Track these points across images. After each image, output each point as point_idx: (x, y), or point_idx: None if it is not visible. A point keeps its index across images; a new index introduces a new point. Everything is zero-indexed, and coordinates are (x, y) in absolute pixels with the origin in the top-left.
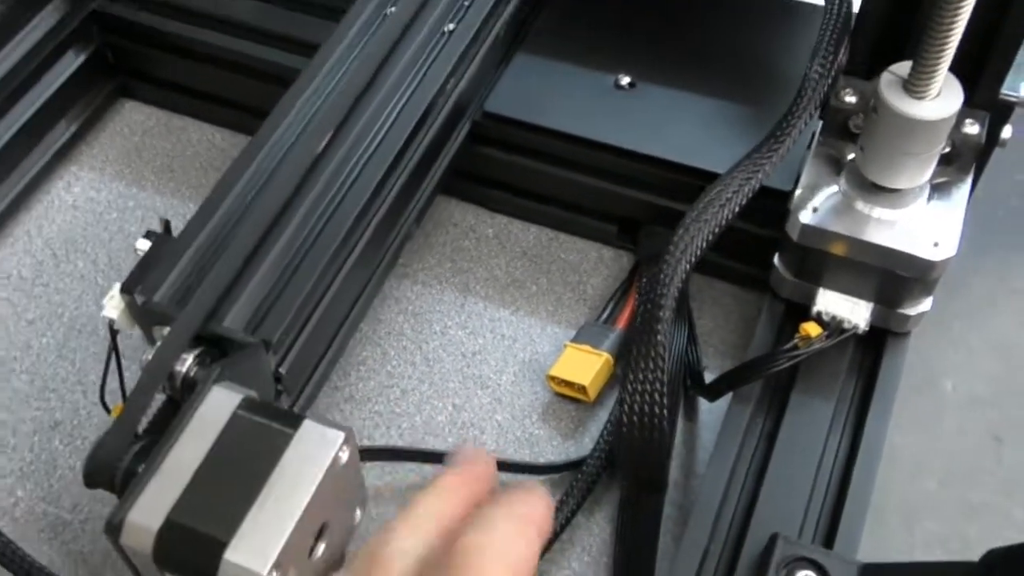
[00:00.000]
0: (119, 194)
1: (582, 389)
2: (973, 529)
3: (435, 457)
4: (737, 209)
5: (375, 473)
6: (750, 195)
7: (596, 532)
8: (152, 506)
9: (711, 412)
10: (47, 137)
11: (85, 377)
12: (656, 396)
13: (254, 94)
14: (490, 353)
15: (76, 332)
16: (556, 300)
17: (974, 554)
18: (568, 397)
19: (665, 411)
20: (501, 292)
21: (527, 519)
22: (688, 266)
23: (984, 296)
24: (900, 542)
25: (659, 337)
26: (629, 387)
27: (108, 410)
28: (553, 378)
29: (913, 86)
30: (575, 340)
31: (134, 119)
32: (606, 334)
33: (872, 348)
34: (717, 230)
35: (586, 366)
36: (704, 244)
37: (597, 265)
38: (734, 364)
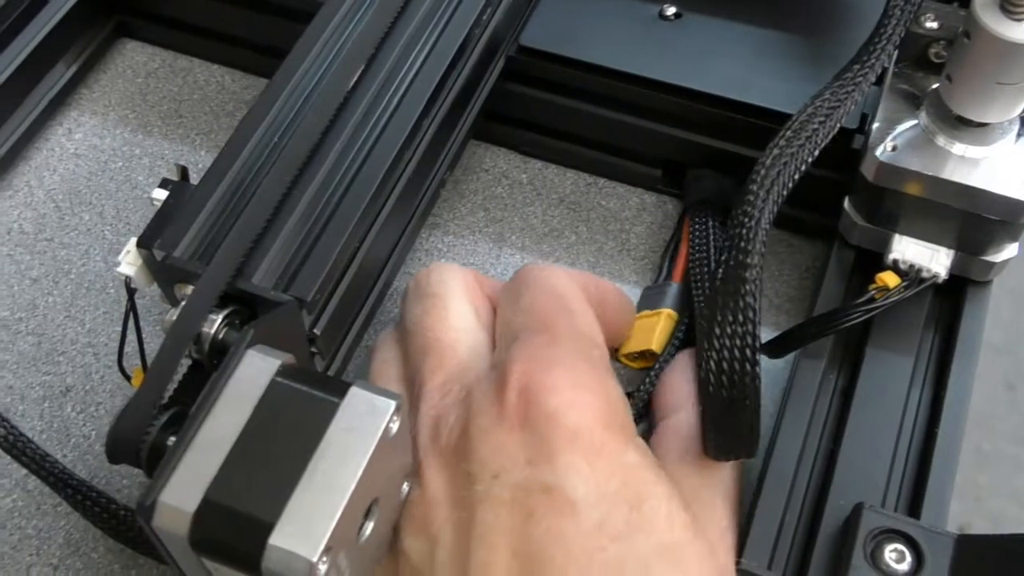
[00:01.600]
0: (124, 141)
1: (652, 355)
2: (984, 477)
3: None
4: (823, 144)
5: None
6: (836, 129)
7: None
8: (187, 485)
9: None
10: (44, 81)
11: (96, 338)
12: (747, 352)
13: (267, 31)
14: None
15: (84, 290)
16: (597, 250)
17: (986, 502)
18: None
19: (758, 368)
20: (538, 242)
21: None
22: (775, 206)
23: None
24: None
25: (748, 286)
26: (716, 343)
27: (128, 377)
28: (624, 356)
29: (1012, 7)
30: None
31: (136, 60)
32: (662, 292)
33: (951, 299)
34: (804, 167)
35: (648, 331)
36: (791, 182)
37: (639, 212)
38: (791, 318)
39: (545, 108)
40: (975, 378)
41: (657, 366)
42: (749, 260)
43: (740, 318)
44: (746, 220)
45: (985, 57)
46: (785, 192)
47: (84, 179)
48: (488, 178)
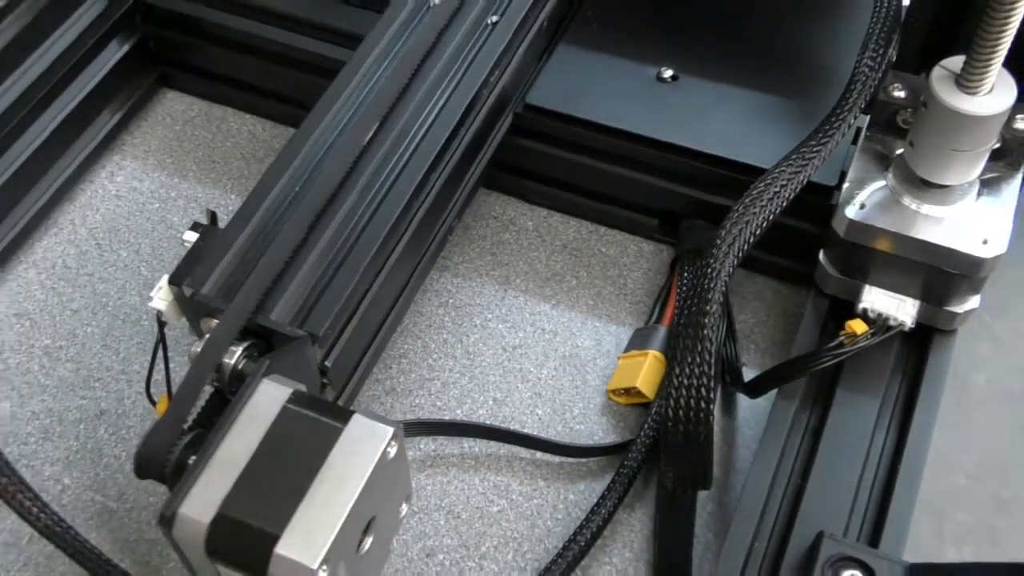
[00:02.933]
0: (161, 184)
1: (637, 392)
2: (1003, 523)
3: (467, 430)
4: (785, 203)
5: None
6: (798, 189)
7: (638, 528)
8: (204, 499)
9: (750, 409)
10: (91, 127)
11: (129, 367)
12: (702, 391)
13: (295, 85)
14: (531, 347)
15: (120, 321)
16: (596, 294)
17: (1004, 549)
18: (637, 405)
19: (712, 406)
20: (541, 286)
21: None
22: (736, 260)
23: (1015, 290)
24: (929, 535)
25: (706, 331)
26: (675, 381)
27: (154, 403)
28: (611, 392)
29: (965, 81)
30: (626, 350)
31: (176, 109)
32: (652, 334)
33: (918, 346)
34: (765, 224)
35: (635, 369)
36: (752, 238)
37: (637, 259)
38: (775, 360)
39: (550, 161)
40: (938, 419)
41: (654, 410)
42: (708, 308)
43: (697, 359)
44: (708, 271)
45: (942, 126)
46: (746, 247)
47: (123, 219)
48: (496, 224)
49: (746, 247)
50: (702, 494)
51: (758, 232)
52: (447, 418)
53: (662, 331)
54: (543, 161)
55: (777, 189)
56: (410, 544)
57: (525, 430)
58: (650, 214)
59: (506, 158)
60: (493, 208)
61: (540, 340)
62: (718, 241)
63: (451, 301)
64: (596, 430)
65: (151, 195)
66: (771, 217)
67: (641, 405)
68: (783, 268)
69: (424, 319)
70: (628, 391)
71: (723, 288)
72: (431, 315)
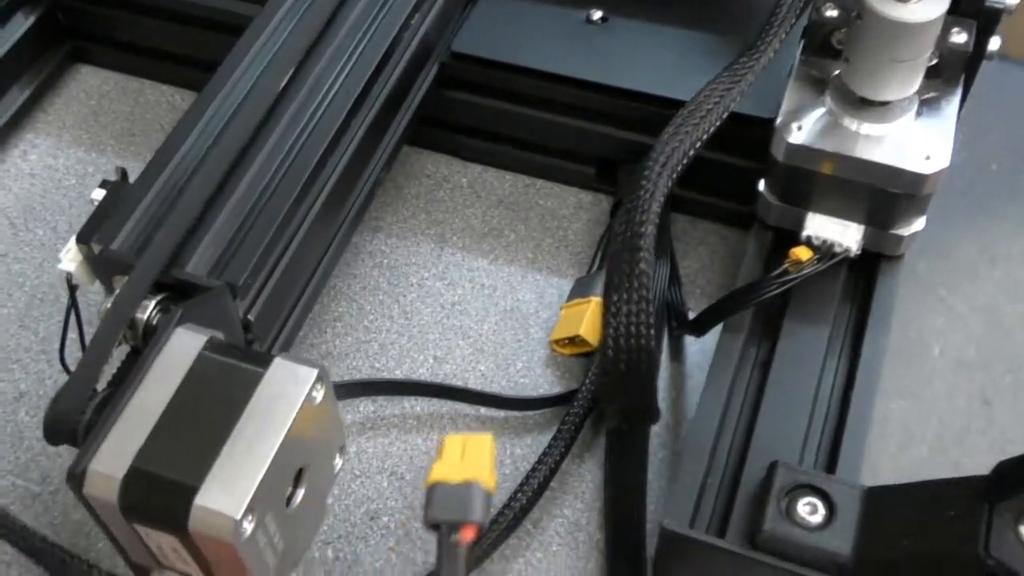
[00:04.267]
0: (78, 160)
1: (582, 341)
2: None
3: (405, 387)
4: (719, 121)
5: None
6: (731, 106)
7: (588, 479)
8: (116, 454)
9: (700, 354)
10: None
11: (49, 346)
12: (642, 316)
13: (210, 48)
14: (470, 303)
15: (38, 301)
16: (535, 247)
17: None
18: (582, 355)
19: (652, 331)
20: (479, 241)
21: None
22: (670, 181)
23: (967, 263)
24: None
25: (642, 253)
26: (612, 308)
27: (69, 371)
28: (555, 343)
29: None
30: (568, 300)
31: (90, 84)
32: (593, 281)
33: (865, 273)
34: (698, 144)
35: (577, 317)
36: (685, 158)
37: (576, 210)
38: None
39: (481, 112)
40: (888, 348)
41: (597, 358)
42: (643, 230)
43: (635, 284)
44: (641, 192)
45: (877, 36)
46: (679, 169)
47: (39, 197)
48: (429, 183)
49: (679, 168)
50: (653, 441)
51: (692, 152)
52: (385, 376)
53: (604, 276)
54: (474, 113)
55: (710, 106)
56: (352, 509)
57: (468, 386)
58: (587, 163)
59: (436, 112)
60: (425, 166)
61: (480, 296)
62: (650, 161)
63: (385, 261)
64: (541, 383)
65: (67, 171)
66: (704, 136)
67: (586, 355)
68: (726, 211)
69: (358, 281)
70: (572, 340)
71: (658, 211)
72: (365, 277)
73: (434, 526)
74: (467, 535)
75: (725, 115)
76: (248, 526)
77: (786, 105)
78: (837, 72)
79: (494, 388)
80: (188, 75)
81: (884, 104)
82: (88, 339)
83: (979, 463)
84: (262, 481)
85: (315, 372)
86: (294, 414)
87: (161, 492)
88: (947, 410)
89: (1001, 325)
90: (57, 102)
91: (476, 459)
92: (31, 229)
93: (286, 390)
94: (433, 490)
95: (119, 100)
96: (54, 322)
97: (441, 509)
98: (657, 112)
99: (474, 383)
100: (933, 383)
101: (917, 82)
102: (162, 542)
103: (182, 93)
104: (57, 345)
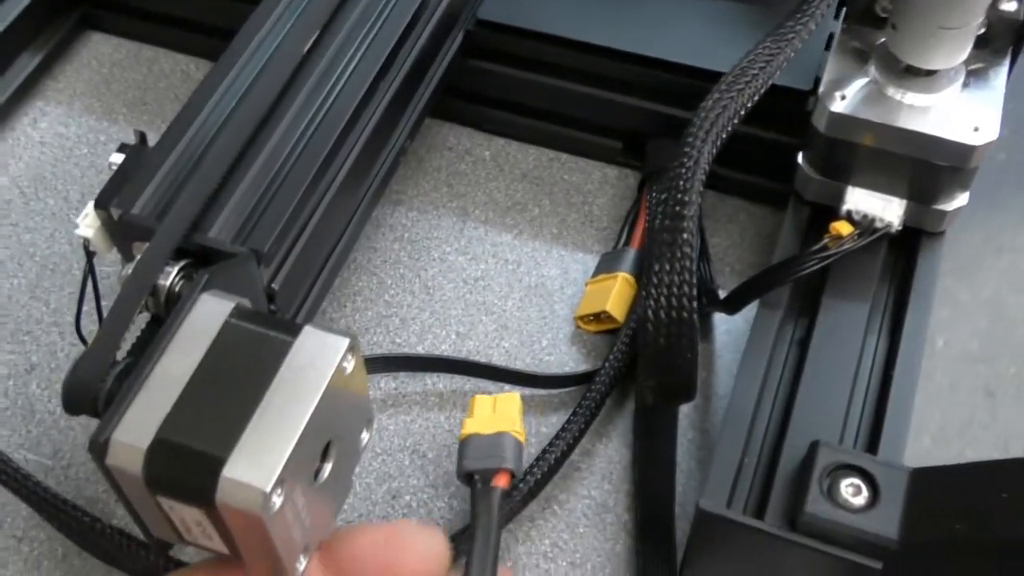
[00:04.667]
0: (89, 128)
1: (608, 317)
2: None
3: (428, 363)
4: (764, 89)
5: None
6: (775, 74)
7: (616, 459)
8: (140, 423)
9: (728, 333)
10: (8, 72)
11: (61, 318)
12: (684, 288)
13: (229, 17)
14: (493, 279)
15: (49, 271)
16: (560, 222)
17: None
18: (607, 331)
19: (695, 304)
20: (502, 216)
21: None
22: (714, 148)
23: (971, 254)
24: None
25: (687, 223)
26: (654, 279)
27: (85, 342)
28: (580, 319)
29: None
30: (593, 276)
31: (102, 51)
32: (620, 256)
33: (906, 249)
34: (743, 111)
35: (604, 293)
36: (730, 124)
37: (602, 185)
38: None
39: (506, 83)
40: (928, 329)
41: (623, 334)
42: (687, 198)
43: (679, 254)
44: (686, 161)
45: (926, 1)
46: (723, 137)
47: (49, 166)
48: (452, 155)
49: (724, 134)
50: (682, 421)
51: (735, 119)
52: (407, 352)
53: (631, 253)
54: (499, 83)
55: (756, 71)
56: (374, 487)
57: (492, 362)
58: (614, 136)
59: (459, 82)
60: (447, 139)
61: (503, 271)
62: (693, 127)
63: (407, 235)
64: (567, 360)
65: (78, 140)
66: (749, 104)
67: (611, 332)
68: (758, 188)
69: (379, 255)
70: (598, 316)
71: (703, 178)
72: (386, 250)
73: (467, 477)
74: (501, 480)
75: (770, 82)
76: (277, 500)
77: (828, 75)
78: (881, 40)
79: (518, 365)
80: (204, 44)
81: (931, 74)
82: (104, 309)
83: (982, 456)
84: (292, 453)
85: (347, 341)
86: (325, 384)
87: (187, 463)
88: (950, 402)
89: (1006, 317)
90: (68, 69)
91: (506, 414)
92: (42, 198)
93: (316, 359)
94: (465, 443)
95: (132, 68)
96: (65, 293)
97: (473, 459)
98: (688, 84)
99: (498, 360)
100: (936, 375)
101: (966, 51)
102: (186, 515)
103: (197, 62)
104: (69, 317)
